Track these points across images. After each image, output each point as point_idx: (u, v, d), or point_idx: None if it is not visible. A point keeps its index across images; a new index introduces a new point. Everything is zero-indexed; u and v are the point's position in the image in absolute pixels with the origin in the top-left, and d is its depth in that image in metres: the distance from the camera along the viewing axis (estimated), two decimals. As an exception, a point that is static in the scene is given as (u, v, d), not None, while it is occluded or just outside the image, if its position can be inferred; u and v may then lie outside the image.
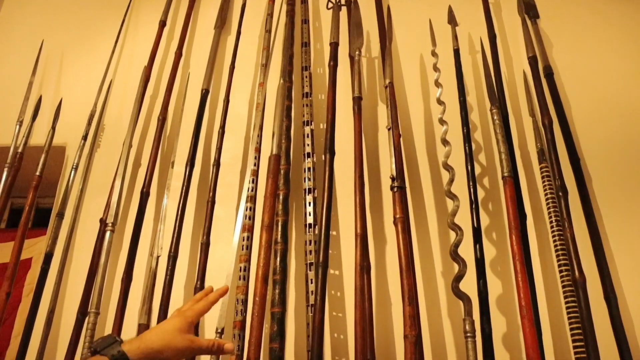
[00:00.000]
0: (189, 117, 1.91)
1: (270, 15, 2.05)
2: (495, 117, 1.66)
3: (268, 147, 1.62)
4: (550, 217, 1.52)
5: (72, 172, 1.87)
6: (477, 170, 1.71)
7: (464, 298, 1.35)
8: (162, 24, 2.16)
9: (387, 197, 1.67)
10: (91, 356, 0.85)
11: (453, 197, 1.51)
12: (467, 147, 1.65)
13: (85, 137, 1.94)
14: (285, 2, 2.08)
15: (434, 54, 1.83)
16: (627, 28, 1.97)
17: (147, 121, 2.01)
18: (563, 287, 1.41)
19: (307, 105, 1.78)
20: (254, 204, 1.61)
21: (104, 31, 2.28)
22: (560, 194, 1.50)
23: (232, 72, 1.94)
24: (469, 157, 1.63)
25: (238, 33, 2.05)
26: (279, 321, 1.43)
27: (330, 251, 1.62)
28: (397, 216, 1.44)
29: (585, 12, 2.02)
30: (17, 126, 1.99)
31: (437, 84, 1.75)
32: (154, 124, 1.94)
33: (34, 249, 2.25)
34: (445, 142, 1.61)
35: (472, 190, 1.57)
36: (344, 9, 2.02)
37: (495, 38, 1.89)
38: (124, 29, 2.24)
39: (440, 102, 1.70)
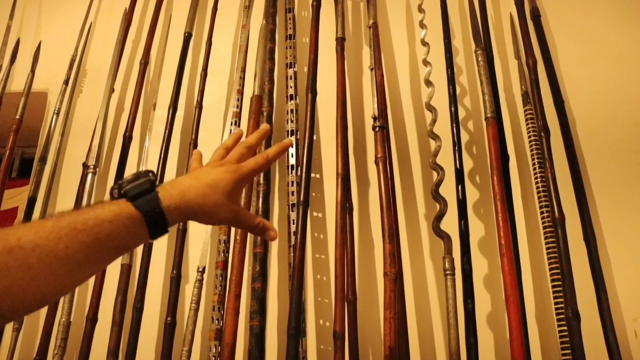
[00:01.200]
0: (172, 60, 1.88)
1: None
2: (479, 59, 1.64)
3: (251, 89, 1.61)
4: (532, 158, 1.51)
5: (54, 117, 1.85)
6: (462, 113, 1.70)
7: (445, 237, 1.36)
8: (144, -34, 2.11)
9: (371, 138, 1.66)
10: (116, 198, 0.67)
11: (435, 137, 1.50)
12: (450, 89, 1.63)
13: (66, 82, 1.91)
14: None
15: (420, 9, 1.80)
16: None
17: (130, 65, 1.98)
18: (544, 227, 1.42)
19: (290, 47, 1.75)
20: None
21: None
22: (543, 134, 1.50)
23: (214, 14, 1.90)
24: (453, 99, 1.62)
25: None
26: (262, 261, 1.45)
27: (313, 193, 1.63)
28: (379, 155, 1.43)
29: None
30: (-5, 71, 1.97)
31: (422, 25, 1.72)
32: (136, 68, 1.91)
33: (20, 198, 2.25)
34: (428, 82, 1.60)
35: (454, 131, 1.56)
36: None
37: (482, -20, 1.85)
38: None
39: (424, 43, 1.68)
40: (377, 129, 1.47)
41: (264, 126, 0.92)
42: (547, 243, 1.40)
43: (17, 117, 1.81)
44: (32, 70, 1.91)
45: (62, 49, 2.02)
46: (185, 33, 1.88)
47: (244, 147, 0.84)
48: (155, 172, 1.63)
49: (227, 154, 0.83)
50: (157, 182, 0.69)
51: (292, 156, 1.58)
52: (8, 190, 2.00)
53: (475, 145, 1.69)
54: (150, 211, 0.65)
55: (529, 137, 1.55)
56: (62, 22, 2.14)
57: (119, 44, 1.89)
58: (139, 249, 1.56)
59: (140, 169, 1.66)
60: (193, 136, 1.68)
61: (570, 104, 1.68)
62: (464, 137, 1.67)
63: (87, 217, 0.61)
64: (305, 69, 1.78)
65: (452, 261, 1.33)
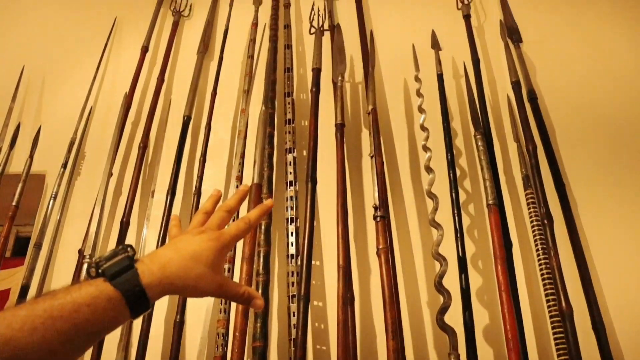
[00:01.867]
0: (171, 144, 1.88)
1: (252, 40, 2.04)
2: (479, 143, 1.64)
3: (250, 175, 1.60)
4: (536, 246, 1.49)
5: (51, 201, 1.84)
6: (462, 197, 1.69)
7: (449, 331, 1.32)
8: (144, 50, 2.14)
9: (371, 226, 1.64)
10: (94, 277, 0.63)
11: (437, 226, 1.48)
12: (451, 174, 1.63)
13: (65, 165, 1.90)
14: (268, 27, 2.07)
15: (417, 79, 1.82)
16: (610, 51, 1.96)
17: (129, 149, 1.98)
18: (550, 317, 1.38)
19: (289, 132, 1.75)
20: (235, 234, 1.57)
21: (86, 56, 2.25)
22: (546, 221, 1.48)
23: (214, 98, 1.92)
24: (454, 184, 1.61)
25: (220, 59, 2.03)
26: (261, 356, 1.39)
27: (313, 282, 1.58)
28: (380, 247, 1.41)
29: (568, 35, 2.01)
30: (-6, 153, 1.96)
31: (421, 109, 1.73)
32: (135, 151, 1.90)
33: (13, 279, 2.19)
34: (428, 169, 1.59)
35: (456, 218, 1.55)
36: (327, 34, 2.00)
37: (479, 62, 1.88)
38: (106, 54, 2.22)
39: (423, 128, 1.68)
40: (378, 218, 1.45)
41: (268, 202, 0.89)
42: (554, 334, 1.36)
43: (14, 203, 1.79)
44: (31, 156, 1.90)
45: (62, 131, 2.02)
46: (184, 116, 1.89)
47: (224, 211, 0.80)
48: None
49: (206, 219, 0.79)
50: (137, 257, 0.66)
51: (292, 245, 1.55)
52: (1, 270, 1.96)
53: (477, 230, 1.67)
54: (130, 290, 0.62)
55: (532, 222, 1.53)
56: (63, 104, 2.15)
57: (118, 128, 1.90)
58: (134, 342, 1.51)
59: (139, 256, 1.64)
60: (191, 224, 1.65)
61: (571, 185, 1.67)
62: (465, 220, 1.65)
63: (63, 302, 0.58)
64: (305, 153, 1.78)
65: (457, 357, 1.28)
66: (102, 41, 2.23)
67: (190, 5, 2.33)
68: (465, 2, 2.05)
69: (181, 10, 2.29)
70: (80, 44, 2.32)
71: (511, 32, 1.94)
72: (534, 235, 1.51)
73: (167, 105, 2.00)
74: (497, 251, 1.42)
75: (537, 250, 1.48)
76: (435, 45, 1.94)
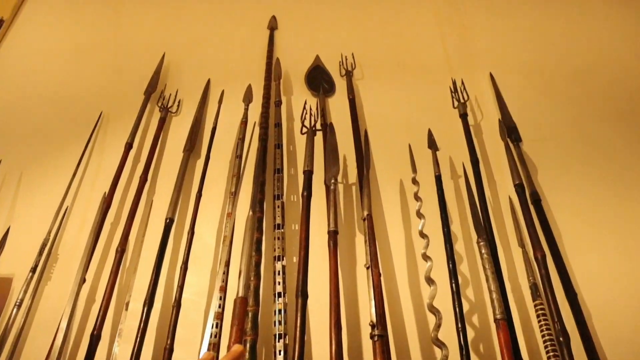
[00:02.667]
0: (151, 248, 1.74)
1: (241, 139, 1.95)
2: (483, 251, 1.53)
3: (235, 286, 1.46)
4: (550, 364, 1.35)
5: (14, 309, 1.67)
6: (466, 307, 1.55)
7: None
8: (128, 146, 2.04)
9: (368, 347, 1.49)
10: None
11: (440, 345, 1.34)
12: (453, 285, 1.50)
13: (34, 269, 1.75)
14: (258, 125, 2.00)
15: (414, 181, 1.73)
16: (611, 149, 1.90)
17: (105, 253, 1.83)
18: None
19: (278, 238, 1.63)
20: (218, 352, 1.41)
21: (67, 152, 2.15)
22: (562, 339, 1.34)
23: (198, 200, 1.80)
24: (457, 296, 1.48)
25: (207, 158, 1.94)
26: None
27: (303, 409, 1.41)
28: (379, 371, 1.26)
29: (568, 133, 1.95)
30: (-40, 255, 1.81)
31: (419, 214, 1.63)
32: (112, 256, 1.76)
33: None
34: (429, 280, 1.46)
35: (461, 335, 1.41)
36: (319, 134, 1.93)
37: (478, 163, 1.80)
38: (88, 150, 2.12)
39: (423, 235, 1.57)
40: (375, 337, 1.31)
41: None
42: None
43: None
44: (-4, 259, 1.76)
45: (35, 232, 1.88)
46: (166, 219, 1.77)
47: None
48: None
49: None
50: None
51: (280, 366, 1.39)
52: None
53: (482, 345, 1.52)
54: None
55: (544, 338, 1.39)
56: (39, 203, 2.02)
57: (95, 230, 1.77)
58: None
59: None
60: (169, 341, 1.49)
61: (583, 294, 1.55)
62: (469, 334, 1.50)
63: None
64: (295, 259, 1.65)
65: None
66: (85, 137, 2.14)
67: (179, 102, 2.27)
68: (462, 100, 2.00)
69: (169, 106, 2.22)
70: (62, 139, 2.22)
71: (510, 131, 1.88)
72: (548, 355, 1.37)
73: (149, 207, 1.88)
74: (510, 375, 1.27)
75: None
76: (432, 145, 1.86)
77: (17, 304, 1.69)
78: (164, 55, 2.42)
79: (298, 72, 2.31)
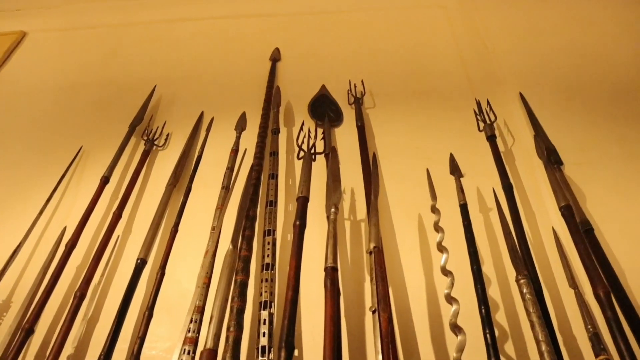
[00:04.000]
0: (117, 293, 1.44)
1: (230, 169, 1.68)
2: (525, 291, 1.19)
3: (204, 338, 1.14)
4: None
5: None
6: (503, 365, 1.21)
7: None
8: (105, 180, 1.77)
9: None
10: None
11: (474, 416, 0.99)
12: (487, 336, 1.16)
13: (-22, 322, 1.46)
14: (250, 154, 1.72)
15: (434, 209, 1.42)
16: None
17: (66, 300, 1.53)
18: None
19: (266, 280, 1.31)
20: None
21: (39, 189, 1.87)
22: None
23: (173, 236, 1.51)
24: (493, 350, 1.14)
25: (188, 189, 1.66)
26: None
27: None
28: None
29: (616, 154, 1.64)
30: None
31: (441, 248, 1.31)
32: (69, 302, 1.46)
33: None
34: (455, 328, 1.13)
35: (502, 401, 1.06)
36: (321, 163, 1.64)
37: (512, 188, 1.49)
38: (62, 186, 1.86)
39: (446, 272, 1.25)
40: (385, 406, 0.97)
41: None
42: None
43: None
44: None
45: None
46: (137, 259, 1.47)
47: None
48: None
49: None
50: None
51: None
52: None
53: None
54: None
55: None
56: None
57: (53, 271, 1.48)
58: None
59: None
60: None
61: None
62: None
63: None
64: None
65: None
66: (62, 171, 1.88)
67: (168, 135, 2.01)
68: (488, 122, 1.71)
69: (155, 139, 1.97)
70: (38, 173, 1.95)
71: (549, 153, 1.57)
72: None
73: (114, 245, 1.59)
74: None
75: None
76: (456, 170, 1.56)
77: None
78: (154, 88, 2.20)
79: (301, 101, 2.06)
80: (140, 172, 1.84)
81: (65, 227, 1.60)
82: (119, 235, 1.63)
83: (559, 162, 1.57)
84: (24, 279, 1.63)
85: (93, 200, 1.71)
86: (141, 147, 1.96)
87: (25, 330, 1.36)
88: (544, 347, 1.09)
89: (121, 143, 1.92)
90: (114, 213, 1.66)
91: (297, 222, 1.35)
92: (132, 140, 2.00)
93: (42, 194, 1.81)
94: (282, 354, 1.05)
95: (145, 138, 1.96)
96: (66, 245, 1.57)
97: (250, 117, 1.96)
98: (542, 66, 2.02)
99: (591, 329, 1.18)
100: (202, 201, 1.66)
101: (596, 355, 1.13)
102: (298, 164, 1.74)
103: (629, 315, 1.17)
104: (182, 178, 1.79)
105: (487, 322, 1.18)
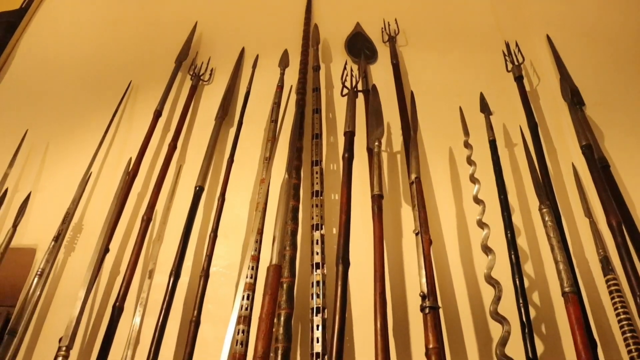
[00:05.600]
0: (179, 218, 1.62)
1: (277, 103, 1.82)
2: (546, 218, 1.35)
3: (268, 256, 1.32)
4: (628, 345, 1.17)
5: (35, 279, 1.57)
6: (525, 283, 1.38)
7: None
8: (157, 114, 1.92)
9: (415, 321, 1.34)
10: None
11: (501, 320, 1.17)
12: (512, 257, 1.33)
13: (56, 239, 1.65)
14: (294, 90, 1.85)
15: (467, 145, 1.56)
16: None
17: (131, 222, 1.72)
18: None
19: (316, 205, 1.48)
20: (248, 326, 1.27)
21: (96, 122, 2.03)
22: (644, 314, 1.16)
23: (230, 166, 1.67)
24: (517, 268, 1.31)
25: (239, 123, 1.81)
26: None
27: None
28: (431, 346, 1.10)
29: (637, 97, 1.76)
30: (-16, 222, 1.73)
31: (473, 179, 1.46)
32: (138, 226, 1.64)
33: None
34: (487, 249, 1.30)
35: (522, 310, 1.24)
36: (360, 98, 1.78)
37: (537, 127, 1.62)
38: (117, 118, 2.01)
39: (478, 200, 1.41)
40: (427, 310, 1.15)
41: None
42: None
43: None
44: (14, 225, 1.65)
45: (59, 201, 1.78)
46: (196, 187, 1.64)
47: None
48: (148, 354, 1.32)
49: None
50: None
51: (318, 341, 1.24)
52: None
53: (545, 325, 1.35)
54: None
55: (617, 315, 1.22)
56: (65, 171, 1.92)
57: (120, 197, 1.65)
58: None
59: (125, 352, 1.35)
60: (195, 312, 1.37)
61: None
62: (530, 311, 1.33)
63: None
64: (334, 231, 1.51)
65: None
66: (114, 106, 2.03)
67: (212, 70, 2.15)
68: (516, 63, 1.83)
69: (201, 74, 2.10)
70: (90, 109, 2.12)
71: (572, 94, 1.69)
72: (623, 331, 1.19)
73: (177, 174, 1.76)
74: (582, 352, 1.11)
75: (630, 351, 1.15)
76: (485, 109, 1.70)
77: (38, 273, 1.58)
78: (196, 24, 2.31)
79: (337, 39, 2.17)
80: (190, 106, 1.98)
81: (130, 158, 1.76)
82: (181, 165, 1.79)
83: (582, 103, 1.69)
84: (91, 203, 1.82)
85: (148, 133, 1.86)
86: (188, 82, 2.10)
87: (104, 251, 1.54)
88: (561, 267, 1.26)
89: (170, 78, 2.05)
90: (169, 144, 1.82)
91: (346, 155, 1.50)
92: (178, 75, 2.12)
93: (97, 129, 1.96)
94: (340, 269, 1.23)
95: (192, 73, 2.10)
96: (128, 174, 1.74)
97: (289, 51, 2.07)
98: (569, 10, 2.11)
99: (602, 253, 1.34)
100: (253, 134, 1.82)
101: (605, 275, 1.30)
102: (337, 100, 1.89)
103: (637, 242, 1.33)
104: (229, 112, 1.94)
105: (512, 245, 1.35)
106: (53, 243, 1.64)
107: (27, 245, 1.73)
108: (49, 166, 1.97)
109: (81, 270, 1.59)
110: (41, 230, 1.73)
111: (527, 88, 1.83)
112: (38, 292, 1.54)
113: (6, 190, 1.79)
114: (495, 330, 1.27)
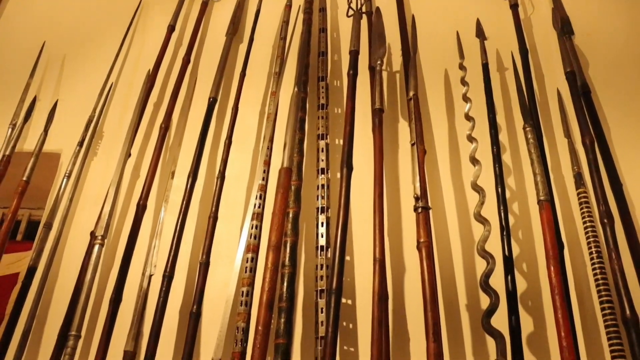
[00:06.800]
0: (194, 126, 1.77)
1: (285, 22, 1.93)
2: (529, 136, 1.51)
3: (278, 161, 1.47)
4: (590, 248, 1.35)
5: (64, 180, 1.72)
6: (507, 194, 1.55)
7: (497, 335, 1.18)
8: (171, 29, 2.03)
9: (407, 219, 1.52)
10: None
11: (484, 221, 1.35)
12: (497, 168, 1.50)
13: (81, 144, 1.79)
14: (302, 10, 1.95)
15: (461, 67, 1.70)
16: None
17: (149, 130, 1.87)
18: (606, 327, 1.24)
19: (322, 117, 1.63)
20: (261, 222, 1.44)
21: (110, 34, 2.14)
22: (606, 220, 1.34)
23: (242, 80, 1.80)
24: (500, 179, 1.48)
25: (250, 39, 1.92)
26: (284, 354, 1.26)
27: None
28: (422, 240, 1.28)
29: (624, 30, 1.88)
30: (10, 129, 1.85)
31: (465, 98, 1.61)
32: (156, 133, 1.79)
33: (21, 263, 2.09)
34: (474, 160, 1.46)
35: (502, 215, 1.42)
36: (363, 20, 1.88)
37: (527, 53, 1.75)
38: (130, 32, 2.11)
39: (468, 117, 1.56)
40: (419, 210, 1.32)
41: None
42: (611, 345, 1.22)
43: (24, 178, 1.68)
44: (45, 130, 1.79)
45: (80, 109, 1.92)
46: (210, 98, 1.78)
47: None
48: (170, 246, 1.50)
49: None
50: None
51: (322, 236, 1.43)
52: (9, 254, 1.85)
53: (521, 230, 1.53)
54: None
55: (584, 223, 1.39)
56: (83, 81, 2.05)
57: (139, 106, 1.78)
58: (146, 332, 1.39)
59: (154, 242, 1.53)
60: (213, 209, 1.53)
61: (627, 187, 1.53)
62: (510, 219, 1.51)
63: None
64: (337, 141, 1.66)
65: (506, 365, 1.15)
66: (127, 19, 2.13)
67: (221, -13, 2.23)
68: (512, -10, 1.93)
69: (211, -9, 2.19)
70: (105, 21, 2.22)
71: (562, 23, 1.81)
72: (587, 236, 1.37)
73: (192, 86, 1.89)
74: (550, 251, 1.28)
75: (591, 252, 1.34)
76: (480, 34, 1.81)
77: (67, 175, 1.74)
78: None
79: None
80: (201, 22, 2.08)
81: (149, 70, 1.88)
82: (196, 78, 1.91)
83: (571, 32, 1.80)
84: (109, 113, 1.95)
85: (163, 46, 1.98)
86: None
87: (127, 155, 1.69)
88: (539, 179, 1.42)
89: (181, -6, 2.14)
90: (182, 59, 1.94)
91: (351, 72, 1.63)
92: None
93: (111, 42, 2.07)
94: (344, 172, 1.39)
95: (202, -11, 2.18)
96: (144, 84, 1.86)
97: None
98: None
99: (576, 169, 1.50)
100: (263, 50, 1.93)
101: (577, 189, 1.47)
102: (341, 20, 1.99)
103: (607, 160, 1.49)
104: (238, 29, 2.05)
105: (497, 158, 1.51)
106: (78, 148, 1.78)
107: (51, 151, 1.87)
108: (67, 78, 2.09)
109: (104, 173, 1.77)
110: (64, 137, 1.87)
111: (522, 16, 1.93)
112: (68, 192, 1.70)
113: (35, 98, 1.92)
114: (478, 231, 1.44)
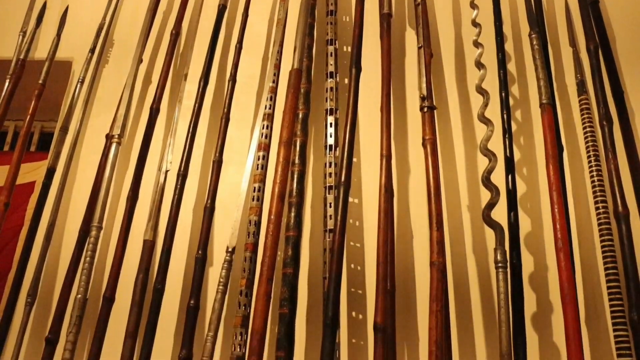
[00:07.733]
0: (204, 33, 1.78)
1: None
2: (534, 43, 1.53)
3: (288, 66, 1.50)
4: (587, 150, 1.40)
5: (78, 85, 1.76)
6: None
7: (496, 227, 1.25)
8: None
9: (412, 119, 1.59)
10: None
11: (487, 121, 1.40)
12: (501, 73, 1.54)
13: (92, 51, 1.82)
14: None
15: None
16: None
17: (160, 36, 1.89)
18: (599, 224, 1.31)
19: (331, 23, 1.65)
20: (271, 122, 1.50)
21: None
22: (605, 122, 1.39)
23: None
24: (503, 83, 1.52)
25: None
26: (294, 245, 1.35)
27: (350, 177, 1.52)
28: (427, 137, 1.33)
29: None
30: (20, 37, 1.87)
31: (473, 5, 1.62)
32: (166, 39, 1.81)
33: (37, 172, 2.16)
34: (479, 64, 1.50)
35: (505, 117, 1.47)
36: None
37: (536, -39, 1.75)
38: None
39: (475, 24, 1.58)
40: (425, 109, 1.37)
41: None
42: (602, 241, 1.29)
43: (40, 81, 1.72)
44: (58, 35, 1.82)
45: (90, 16, 1.94)
46: (219, 5, 1.79)
47: None
48: (183, 146, 1.55)
49: None
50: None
51: (331, 136, 1.48)
52: (25, 164, 1.91)
53: (523, 135, 1.59)
54: None
55: (584, 127, 1.44)
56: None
57: (150, 13, 1.80)
58: (162, 225, 1.47)
59: (169, 140, 1.58)
60: (225, 110, 1.58)
61: (629, 95, 1.57)
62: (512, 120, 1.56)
63: None
64: (345, 48, 1.69)
65: (504, 253, 1.22)
66: None
67: None
68: None
69: None
70: None
71: None
72: (586, 139, 1.42)
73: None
74: (550, 150, 1.34)
75: (589, 154, 1.39)
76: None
77: (80, 80, 1.77)
78: None
79: None
80: None
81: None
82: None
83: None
84: (119, 21, 1.96)
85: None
86: None
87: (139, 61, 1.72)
88: (542, 83, 1.44)
89: None
90: (191, -35, 1.93)
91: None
92: None
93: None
94: (353, 72, 1.43)
95: None
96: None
97: None
98: None
99: (579, 77, 1.54)
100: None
101: (579, 96, 1.51)
102: None
103: (610, 66, 1.52)
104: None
105: (502, 64, 1.55)
106: (90, 55, 1.81)
107: (63, 58, 1.89)
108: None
109: (116, 79, 1.81)
110: (76, 45, 1.90)
111: None
112: (82, 97, 1.74)
113: (45, 4, 1.92)
114: (481, 132, 1.48)
